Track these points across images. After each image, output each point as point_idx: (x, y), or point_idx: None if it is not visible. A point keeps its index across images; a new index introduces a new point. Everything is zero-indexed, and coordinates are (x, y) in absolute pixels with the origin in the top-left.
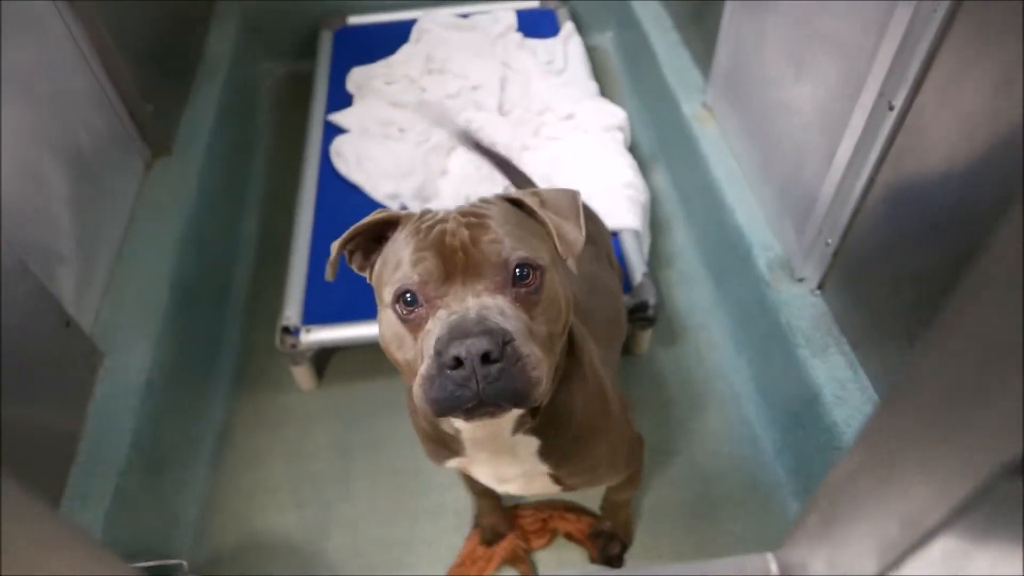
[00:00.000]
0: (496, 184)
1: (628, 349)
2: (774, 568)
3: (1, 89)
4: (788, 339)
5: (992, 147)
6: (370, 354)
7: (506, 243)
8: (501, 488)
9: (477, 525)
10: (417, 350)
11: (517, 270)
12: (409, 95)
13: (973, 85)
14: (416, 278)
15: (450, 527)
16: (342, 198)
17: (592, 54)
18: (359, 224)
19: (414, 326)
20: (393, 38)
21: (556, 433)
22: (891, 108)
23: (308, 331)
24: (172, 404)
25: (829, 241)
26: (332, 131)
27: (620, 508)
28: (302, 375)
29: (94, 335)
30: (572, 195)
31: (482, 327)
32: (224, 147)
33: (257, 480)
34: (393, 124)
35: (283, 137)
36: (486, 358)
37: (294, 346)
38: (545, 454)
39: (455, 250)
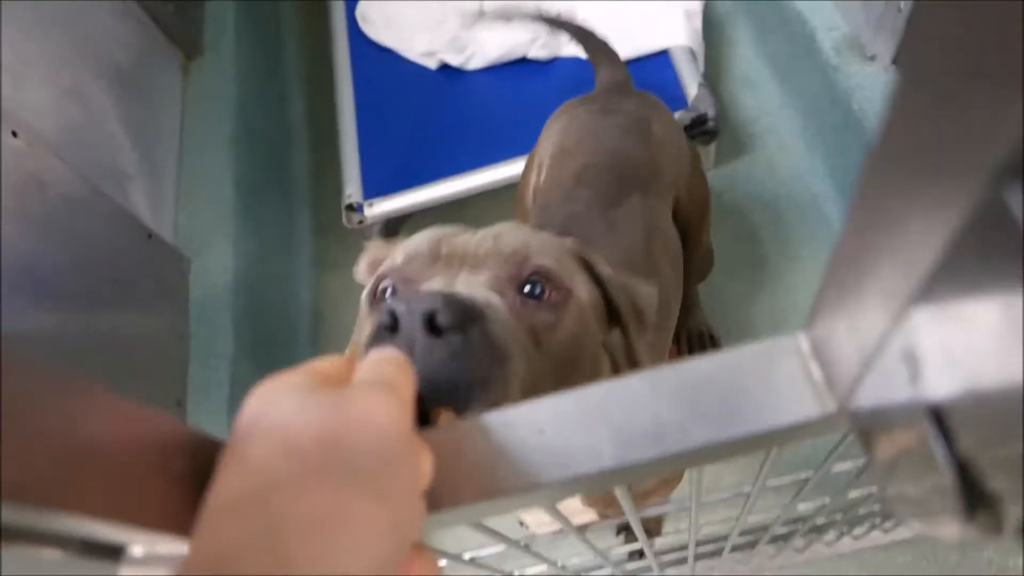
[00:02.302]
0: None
1: None
2: (805, 346)
3: (27, 19)
4: (864, 126)
5: None
6: (438, 218)
7: (532, 244)
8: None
9: None
10: None
11: (531, 279)
12: None
13: None
14: (400, 260)
15: None
16: (379, 66)
17: None
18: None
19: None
20: None
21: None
22: None
23: (371, 205)
24: (263, 294)
25: (902, 6)
26: None
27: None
28: None
29: (177, 243)
30: (651, 293)
31: (439, 297)
32: (253, 36)
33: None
34: None
35: (311, 13)
36: (431, 324)
37: (361, 222)
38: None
39: (464, 243)
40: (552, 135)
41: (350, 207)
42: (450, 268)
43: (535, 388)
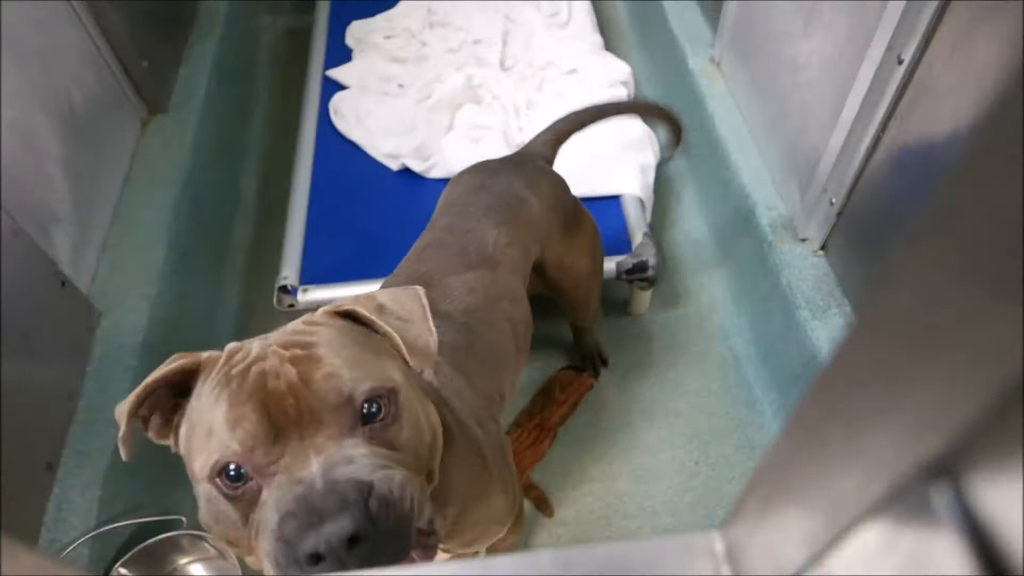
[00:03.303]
0: (496, 144)
1: (627, 310)
2: (719, 546)
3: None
4: (789, 300)
5: None
6: None
7: (345, 375)
8: None
9: None
10: (252, 527)
11: (365, 406)
12: (409, 49)
13: (985, 39)
14: (237, 446)
15: None
16: (341, 157)
17: (599, 7)
18: (146, 383)
19: (245, 504)
20: None
21: (440, 516)
22: (900, 62)
23: (305, 291)
24: None
25: (833, 200)
26: (331, 87)
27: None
28: None
29: (91, 295)
30: (415, 294)
31: (336, 499)
32: (222, 104)
33: None
34: (393, 80)
35: (282, 94)
36: (353, 541)
37: (292, 306)
38: None
39: (282, 396)
40: (439, 203)
41: (284, 288)
42: (289, 440)
43: (411, 467)
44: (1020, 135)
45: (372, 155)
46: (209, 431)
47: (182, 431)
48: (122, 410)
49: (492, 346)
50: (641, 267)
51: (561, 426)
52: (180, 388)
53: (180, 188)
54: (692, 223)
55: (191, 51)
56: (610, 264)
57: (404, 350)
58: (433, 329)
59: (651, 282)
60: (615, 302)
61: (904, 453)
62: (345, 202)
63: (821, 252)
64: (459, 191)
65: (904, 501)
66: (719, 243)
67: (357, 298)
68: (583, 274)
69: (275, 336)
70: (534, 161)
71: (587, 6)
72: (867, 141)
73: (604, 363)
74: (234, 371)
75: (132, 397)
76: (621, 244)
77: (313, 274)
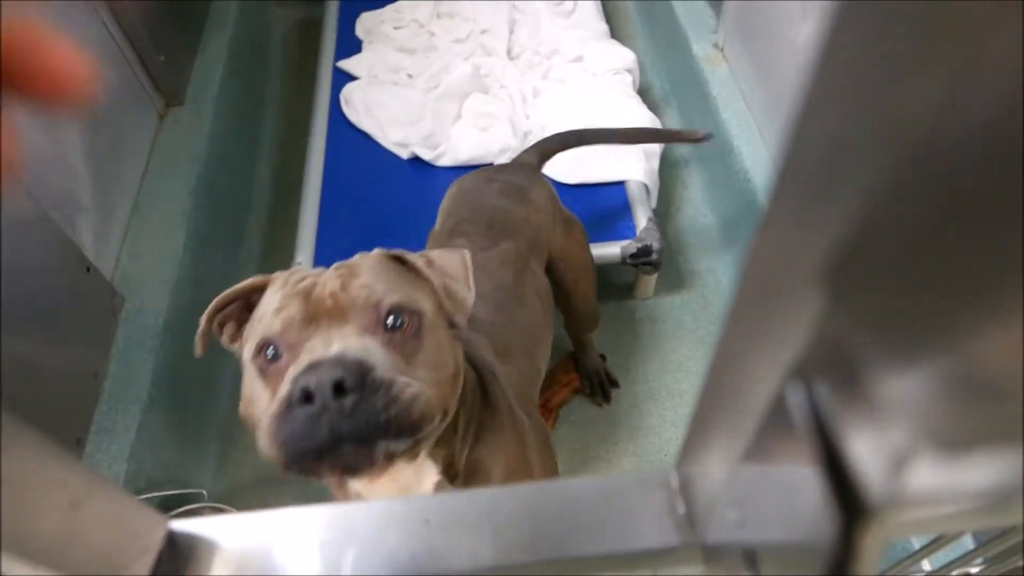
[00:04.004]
0: (504, 132)
1: (632, 294)
2: (675, 482)
3: None
4: None
5: None
6: None
7: (377, 287)
8: None
9: None
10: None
11: (390, 317)
12: (418, 40)
13: None
14: (277, 326)
15: None
16: (353, 146)
17: None
18: (226, 293)
19: (273, 380)
20: None
21: None
22: None
23: None
24: (190, 346)
25: None
26: (342, 78)
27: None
28: None
29: (114, 280)
30: (461, 255)
31: (337, 360)
32: (236, 96)
33: None
34: (402, 70)
35: (295, 84)
36: (340, 390)
37: None
38: None
39: (322, 298)
40: (445, 198)
41: None
42: (319, 327)
43: (425, 383)
44: None
45: (382, 144)
46: (260, 320)
47: (245, 334)
48: (203, 316)
49: (526, 321)
50: (645, 251)
51: (562, 407)
52: (250, 305)
53: (197, 177)
54: (697, 208)
55: (205, 44)
56: (615, 249)
57: (443, 296)
58: (472, 287)
59: (655, 266)
60: (620, 286)
61: (773, 364)
62: (357, 189)
63: None
64: (468, 184)
65: (776, 404)
66: (724, 227)
67: (413, 253)
68: (583, 265)
69: (334, 264)
70: (526, 167)
71: None
72: None
73: (614, 384)
74: (291, 280)
75: (211, 305)
76: (626, 229)
77: (327, 258)
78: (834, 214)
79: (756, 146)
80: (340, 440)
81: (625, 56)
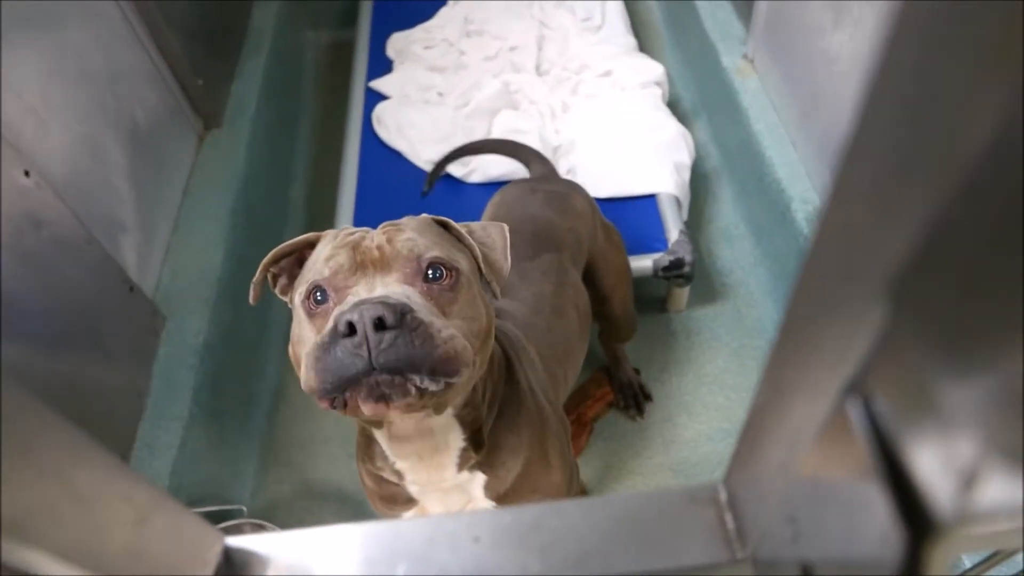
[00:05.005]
0: (537, 145)
1: (665, 307)
2: (723, 496)
3: (62, 70)
4: None
5: None
6: None
7: (420, 242)
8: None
9: None
10: None
11: (430, 270)
12: (448, 58)
13: None
14: (327, 272)
15: None
16: (385, 165)
17: (632, 8)
18: (283, 245)
19: (320, 320)
20: (431, 1)
21: (503, 467)
22: None
23: None
24: (229, 363)
25: None
26: (374, 98)
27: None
28: None
29: (156, 300)
30: (500, 228)
31: (380, 301)
32: (272, 117)
33: (311, 432)
34: (432, 88)
35: (329, 105)
36: (380, 325)
37: None
38: (490, 489)
39: (370, 248)
40: (488, 210)
41: None
42: (366, 274)
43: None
44: None
45: (414, 162)
46: (311, 268)
47: (297, 285)
48: (259, 266)
49: (562, 330)
50: (678, 264)
51: (596, 421)
52: (301, 260)
53: (235, 198)
54: (728, 220)
55: (242, 68)
56: (647, 262)
57: (480, 261)
58: (509, 258)
59: (688, 279)
60: (653, 299)
61: (831, 379)
62: (389, 207)
63: None
64: (511, 195)
65: (834, 419)
66: (756, 239)
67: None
68: (621, 269)
69: (381, 223)
70: (558, 176)
71: (620, 8)
72: None
73: (648, 397)
74: (341, 235)
75: (268, 256)
76: (657, 241)
77: None
78: (897, 228)
79: (789, 157)
80: (377, 370)
81: (654, 69)
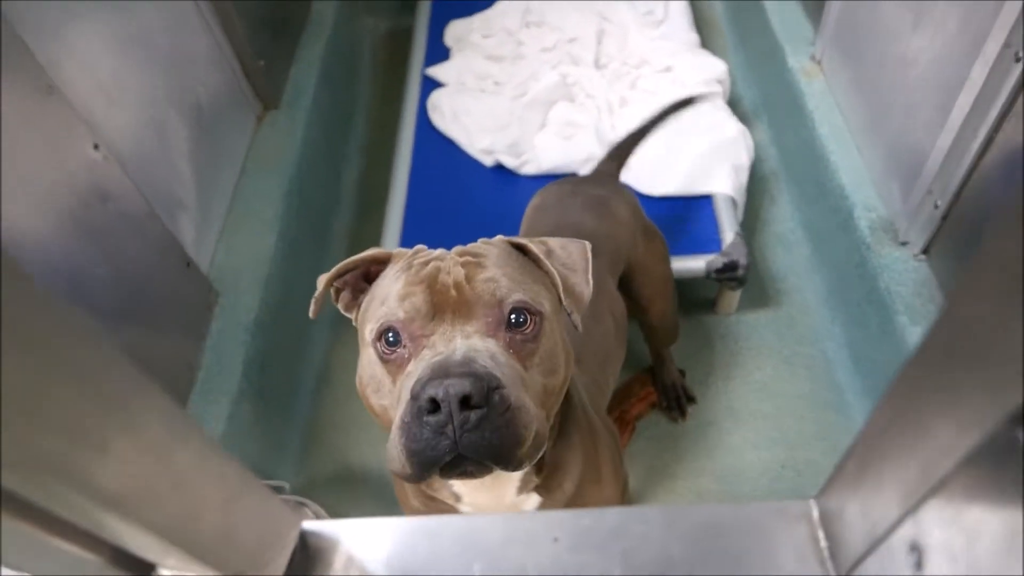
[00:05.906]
0: (588, 141)
1: (715, 309)
2: (815, 513)
3: (132, 52)
4: (887, 305)
5: None
6: None
7: (502, 283)
8: None
9: None
10: (395, 395)
11: (513, 315)
12: (506, 48)
13: None
14: (401, 314)
15: None
16: (438, 152)
17: (695, 5)
18: (347, 261)
19: (394, 367)
20: None
21: (559, 490)
22: (1018, 60)
23: None
24: (278, 342)
25: (939, 203)
26: (430, 85)
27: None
28: None
29: (211, 276)
30: (582, 247)
31: (465, 368)
32: (328, 101)
33: (352, 416)
34: (489, 78)
35: (384, 92)
36: (465, 403)
37: None
38: (543, 508)
39: (447, 288)
40: (528, 211)
41: None
42: (443, 320)
43: (537, 399)
44: None
45: (468, 151)
46: (383, 301)
47: (363, 305)
48: (322, 279)
49: (600, 337)
50: (731, 266)
51: (639, 420)
52: (367, 275)
53: (289, 179)
54: (786, 224)
55: (301, 52)
56: (700, 263)
57: (561, 290)
58: (591, 281)
59: (741, 282)
60: (702, 301)
61: (995, 405)
62: (441, 195)
63: (923, 256)
64: (551, 197)
65: (992, 447)
66: (813, 245)
67: (533, 239)
68: (661, 279)
69: (455, 248)
70: (608, 177)
71: (683, 4)
72: (978, 142)
73: (692, 400)
74: (415, 262)
75: (332, 271)
76: (711, 243)
77: None
78: None
79: (854, 162)
80: (459, 456)
81: (716, 67)
